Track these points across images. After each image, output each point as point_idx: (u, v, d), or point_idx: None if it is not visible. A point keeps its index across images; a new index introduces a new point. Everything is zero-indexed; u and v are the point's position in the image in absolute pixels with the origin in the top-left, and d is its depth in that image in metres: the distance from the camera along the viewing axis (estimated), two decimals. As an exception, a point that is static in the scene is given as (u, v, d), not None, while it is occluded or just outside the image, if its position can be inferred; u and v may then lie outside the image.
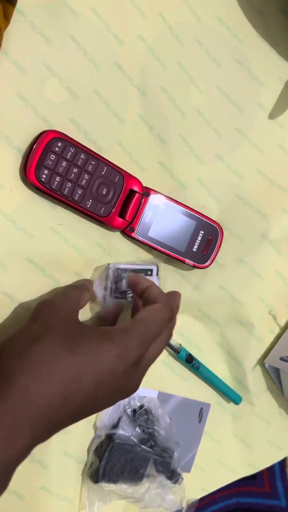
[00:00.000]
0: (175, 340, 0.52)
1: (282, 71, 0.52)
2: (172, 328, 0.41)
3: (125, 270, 0.47)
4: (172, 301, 0.42)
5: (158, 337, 0.38)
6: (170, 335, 0.41)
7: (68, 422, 0.34)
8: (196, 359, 0.53)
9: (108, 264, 0.47)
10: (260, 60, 0.51)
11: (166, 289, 0.49)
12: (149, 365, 0.38)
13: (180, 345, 0.52)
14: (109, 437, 0.48)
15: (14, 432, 0.31)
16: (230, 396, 0.55)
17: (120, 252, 0.48)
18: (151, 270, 0.48)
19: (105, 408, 0.37)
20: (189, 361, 0.52)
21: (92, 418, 0.49)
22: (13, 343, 0.35)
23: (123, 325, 0.37)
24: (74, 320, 0.37)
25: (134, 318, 0.38)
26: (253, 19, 0.50)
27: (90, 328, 0.37)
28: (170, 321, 0.40)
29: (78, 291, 0.42)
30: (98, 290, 0.46)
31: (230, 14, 0.49)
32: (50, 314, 0.37)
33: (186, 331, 0.53)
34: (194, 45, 0.48)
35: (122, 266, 0.47)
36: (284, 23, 0.51)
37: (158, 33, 0.47)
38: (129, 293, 0.46)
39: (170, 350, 0.52)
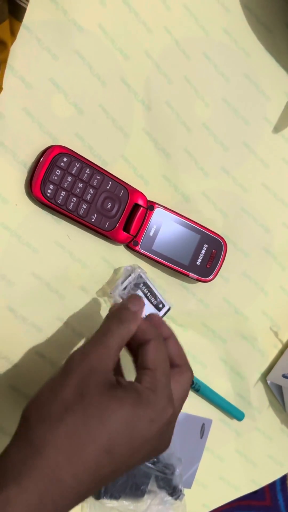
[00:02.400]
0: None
1: (288, 85, 0.52)
2: (187, 363, 0.39)
3: (145, 284, 0.47)
4: (161, 329, 0.39)
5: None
6: (189, 367, 0.39)
7: (100, 487, 0.33)
8: (196, 381, 0.52)
9: (139, 267, 0.47)
10: (267, 75, 0.51)
11: (171, 302, 0.49)
12: (177, 415, 0.36)
13: None
14: (111, 453, 0.48)
15: (36, 509, 0.29)
16: (233, 413, 0.55)
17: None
18: (162, 307, 0.48)
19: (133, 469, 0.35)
20: None
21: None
22: (43, 408, 0.32)
23: (148, 381, 0.35)
24: (108, 381, 0.34)
25: (147, 367, 0.35)
26: (260, 34, 0.50)
27: (122, 390, 0.33)
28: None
29: (118, 334, 0.36)
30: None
31: (237, 28, 0.49)
32: (83, 376, 0.33)
33: (191, 347, 0.52)
34: (202, 59, 0.48)
35: (146, 280, 0.47)
36: (291, 38, 0.51)
37: (164, 48, 0.47)
38: None
39: None
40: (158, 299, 0.48)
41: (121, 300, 0.46)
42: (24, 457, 0.30)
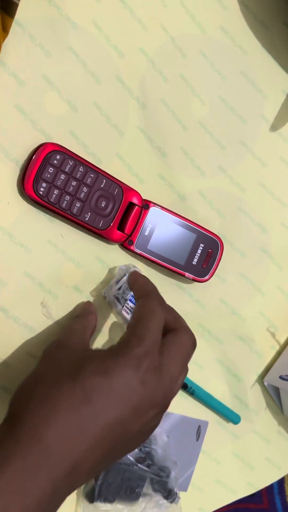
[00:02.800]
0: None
1: (286, 83, 0.52)
2: (185, 326, 0.39)
3: None
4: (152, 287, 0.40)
5: (167, 332, 0.36)
6: (187, 330, 0.38)
7: (98, 456, 0.31)
8: (191, 385, 0.52)
9: (134, 266, 0.46)
10: (264, 73, 0.51)
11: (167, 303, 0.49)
12: (175, 373, 0.35)
13: None
14: (105, 455, 0.47)
15: (26, 477, 0.28)
16: (229, 416, 0.54)
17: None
18: None
19: (144, 436, 0.34)
20: (184, 387, 0.52)
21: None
22: (21, 388, 0.34)
23: (124, 336, 0.35)
24: (80, 351, 0.36)
25: (128, 325, 0.36)
26: (257, 32, 0.50)
27: (94, 350, 0.35)
28: (162, 307, 0.37)
29: (80, 322, 0.41)
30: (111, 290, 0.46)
31: (234, 26, 0.49)
32: (55, 353, 0.36)
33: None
34: (198, 57, 0.48)
35: None
36: (288, 36, 0.51)
37: (160, 45, 0.46)
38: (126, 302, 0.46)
39: None
40: None
41: (115, 300, 0.45)
42: (5, 426, 0.31)
